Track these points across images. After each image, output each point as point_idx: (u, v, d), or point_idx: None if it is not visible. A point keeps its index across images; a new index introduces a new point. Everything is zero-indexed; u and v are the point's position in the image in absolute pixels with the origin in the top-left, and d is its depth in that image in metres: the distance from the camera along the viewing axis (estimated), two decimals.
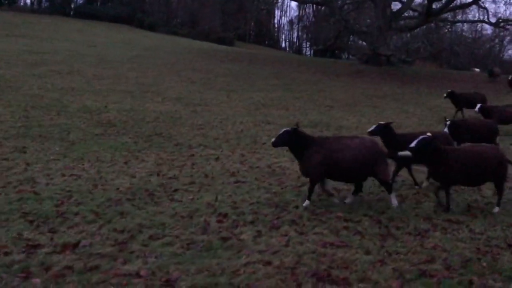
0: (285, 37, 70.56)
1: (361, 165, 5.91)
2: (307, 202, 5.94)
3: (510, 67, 53.19)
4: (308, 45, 66.48)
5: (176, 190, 6.50)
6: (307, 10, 66.14)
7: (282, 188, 6.78)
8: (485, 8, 28.13)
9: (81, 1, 60.86)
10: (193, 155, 9.09)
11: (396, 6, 31.25)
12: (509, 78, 21.43)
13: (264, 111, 14.90)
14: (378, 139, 6.96)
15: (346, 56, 61.93)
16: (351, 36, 57.81)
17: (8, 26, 40.19)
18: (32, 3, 59.02)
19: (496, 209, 6.04)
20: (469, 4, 27.20)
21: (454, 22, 33.31)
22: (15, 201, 5.70)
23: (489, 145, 6.96)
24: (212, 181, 7.08)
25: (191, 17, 60.49)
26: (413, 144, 5.83)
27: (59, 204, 5.68)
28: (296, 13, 65.28)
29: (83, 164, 7.97)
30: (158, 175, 7.44)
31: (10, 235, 4.61)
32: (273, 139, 6.34)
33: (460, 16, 41.99)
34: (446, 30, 34.33)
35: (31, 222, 5.04)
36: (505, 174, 6.13)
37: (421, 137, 5.92)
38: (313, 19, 63.64)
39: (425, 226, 5.21)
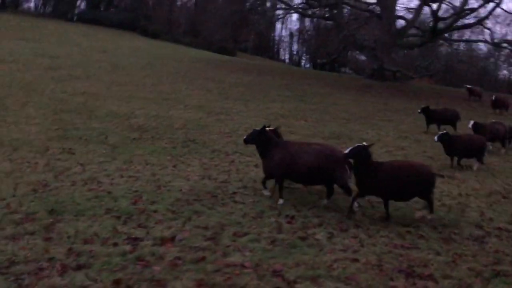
0: (283, 49, 71.35)
1: (317, 170, 6.40)
2: (280, 201, 6.49)
3: (503, 86, 54.39)
4: (306, 58, 67.26)
5: (234, 193, 6.91)
6: (307, 23, 67.00)
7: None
8: (489, 29, 29.06)
9: (84, 7, 61.18)
10: (233, 161, 9.50)
11: (400, 23, 32.06)
12: (492, 98, 21.28)
13: (284, 122, 15.34)
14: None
15: (344, 70, 62.85)
16: (349, 52, 58.80)
17: (15, 29, 40.42)
18: (36, 7, 59.19)
19: (429, 216, 6.09)
20: (473, 24, 28.08)
21: (458, 41, 34.19)
22: (92, 198, 6.08)
23: (418, 161, 7.36)
24: (257, 185, 7.48)
25: (192, 27, 61.04)
26: (347, 151, 6.09)
27: (134, 202, 6.06)
28: (297, 26, 66.16)
29: (135, 167, 8.35)
30: (209, 178, 7.84)
31: (107, 229, 4.99)
32: (244, 136, 7.01)
33: (456, 35, 43.06)
34: (449, 49, 35.14)
35: (118, 217, 5.42)
36: (431, 189, 6.12)
37: (356, 144, 6.16)
38: (313, 33, 64.50)
39: (479, 232, 5.67)
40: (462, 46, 48.05)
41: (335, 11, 31.66)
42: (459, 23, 28.10)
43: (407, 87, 27.57)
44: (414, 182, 5.92)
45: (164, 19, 59.25)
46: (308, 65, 65.75)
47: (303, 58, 66.90)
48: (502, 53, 52.16)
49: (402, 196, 6.11)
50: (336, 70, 56.20)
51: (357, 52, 55.49)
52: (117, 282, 3.61)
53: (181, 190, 6.87)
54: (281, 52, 71.06)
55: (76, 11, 60.70)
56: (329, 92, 23.22)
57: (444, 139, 10.55)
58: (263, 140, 6.86)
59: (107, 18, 55.61)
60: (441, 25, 27.81)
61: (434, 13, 26.86)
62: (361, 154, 5.95)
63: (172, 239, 4.76)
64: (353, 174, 6.19)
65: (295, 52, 66.67)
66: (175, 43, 52.07)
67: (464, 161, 10.74)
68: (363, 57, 64.32)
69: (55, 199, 6.00)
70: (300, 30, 64.24)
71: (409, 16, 31.25)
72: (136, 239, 4.73)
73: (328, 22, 52.54)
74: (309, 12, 34.20)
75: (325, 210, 6.31)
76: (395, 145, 12.39)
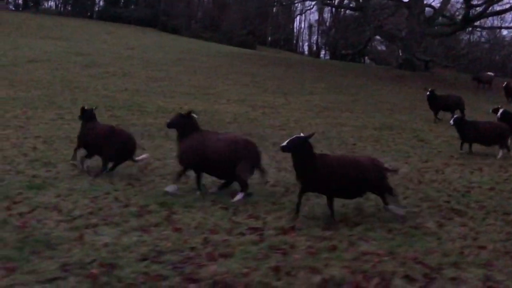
0: (302, 41, 71.10)
1: (223, 162, 6.00)
2: (197, 193, 6.13)
3: None
4: (326, 50, 66.94)
5: None
6: (325, 15, 66.63)
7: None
8: None
9: (102, 4, 61.60)
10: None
11: (429, 11, 31.70)
12: (503, 85, 20.33)
13: (329, 114, 15.35)
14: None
15: (364, 61, 62.49)
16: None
17: (41, 28, 40.92)
18: (57, 5, 59.75)
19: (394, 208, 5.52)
20: (506, 11, 27.69)
21: (489, 28, 33.73)
22: (190, 190, 6.19)
23: (368, 156, 6.71)
24: None
25: (211, 21, 61.12)
26: (284, 143, 5.42)
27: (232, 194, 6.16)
28: (315, 18, 65.81)
29: None
30: (286, 171, 7.89)
31: (224, 220, 5.09)
32: (168, 120, 6.82)
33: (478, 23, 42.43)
34: (472, 37, 34.67)
35: (225, 209, 5.53)
36: (384, 185, 5.56)
37: (294, 136, 5.46)
38: (332, 24, 64.12)
39: None
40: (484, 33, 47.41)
41: (360, 0, 31.47)
42: (493, 10, 27.70)
43: (439, 76, 27.35)
44: (361, 178, 5.36)
45: (183, 15, 59.40)
46: (327, 57, 65.48)
47: (322, 49, 66.53)
48: None
49: (349, 193, 5.51)
50: (356, 61, 55.87)
51: (383, 42, 55.31)
52: (275, 269, 3.69)
53: (267, 182, 6.95)
54: (300, 44, 70.89)
55: (96, 8, 61.27)
56: (363, 83, 23.13)
57: (458, 123, 10.27)
58: (184, 127, 6.43)
59: (126, 15, 55.98)
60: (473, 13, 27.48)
61: (466, 0, 26.54)
62: (301, 146, 5.31)
63: (292, 228, 4.84)
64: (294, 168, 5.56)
65: (314, 44, 66.29)
66: (195, 38, 52.18)
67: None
68: (383, 48, 64.12)
69: (155, 193, 6.12)
70: (320, 22, 63.83)
71: (437, 4, 30.93)
72: (256, 229, 4.81)
73: (348, 12, 52.33)
74: (335, 2, 33.96)
75: (421, 199, 6.34)
76: (449, 135, 12.29)
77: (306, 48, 67.67)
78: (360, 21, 40.29)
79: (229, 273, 3.61)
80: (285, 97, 18.25)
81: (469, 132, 10.18)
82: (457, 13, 30.91)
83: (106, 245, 4.26)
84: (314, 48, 65.34)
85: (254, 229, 4.79)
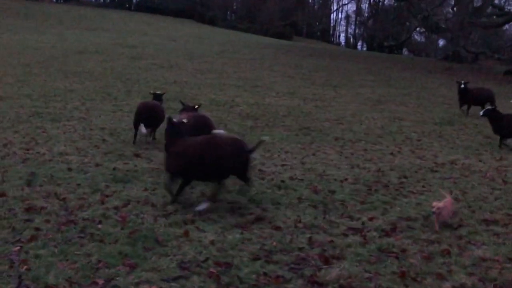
0: (338, 32, 70.15)
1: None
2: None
3: None
4: (363, 41, 65.83)
5: (401, 183, 6.76)
6: (363, 5, 65.47)
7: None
8: None
9: None
10: (366, 149, 9.34)
11: (477, 2, 30.63)
12: None
13: (384, 107, 15.01)
14: None
15: (400, 52, 61.03)
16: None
17: (83, 19, 41.71)
18: None
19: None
20: None
21: None
22: (271, 187, 6.12)
23: (232, 136, 6.24)
24: (419, 175, 7.30)
25: (248, 12, 60.93)
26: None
27: (315, 191, 6.05)
28: (353, 8, 64.74)
29: (277, 155, 8.38)
30: (358, 167, 7.72)
31: (318, 219, 5.00)
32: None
33: None
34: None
35: (314, 207, 5.43)
36: (247, 168, 5.36)
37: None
38: (370, 14, 62.91)
39: None
40: None
41: None
42: None
43: (489, 69, 26.42)
44: (223, 161, 5.11)
45: (219, 5, 59.42)
46: (364, 48, 64.41)
47: (359, 41, 65.44)
48: None
49: (209, 176, 5.28)
50: (394, 52, 54.67)
51: (422, 33, 53.95)
52: (402, 274, 3.56)
53: (346, 179, 6.80)
54: (336, 35, 69.94)
55: (134, 0, 61.96)
56: (412, 76, 22.57)
57: (489, 115, 9.94)
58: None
59: (164, 6, 56.41)
60: None
61: None
62: (170, 128, 5.38)
63: (394, 230, 4.69)
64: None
65: (351, 35, 65.29)
66: (232, 29, 52.16)
67: None
68: (422, 39, 62.58)
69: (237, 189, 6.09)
70: (357, 12, 62.75)
71: None
72: (357, 229, 4.69)
73: (387, 2, 51.18)
74: None
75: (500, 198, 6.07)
76: None
77: (342, 39, 66.68)
78: (402, 11, 39.34)
79: (352, 277, 3.50)
80: (335, 90, 17.97)
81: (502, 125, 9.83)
82: (507, 3, 29.71)
83: (212, 242, 4.22)
84: (352, 39, 64.26)
85: (354, 230, 4.67)
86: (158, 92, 10.01)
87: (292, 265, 3.75)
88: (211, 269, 3.65)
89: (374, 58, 30.20)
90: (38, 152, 7.79)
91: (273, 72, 21.58)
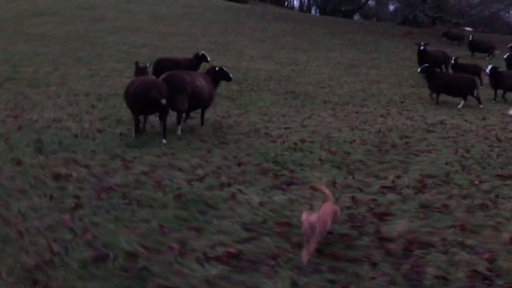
0: None
1: None
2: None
3: None
4: (316, 5, 65.91)
5: (406, 143, 6.98)
6: None
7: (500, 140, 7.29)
8: None
9: None
10: (357, 112, 9.54)
11: None
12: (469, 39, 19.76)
13: (358, 71, 15.29)
14: None
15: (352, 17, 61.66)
16: None
17: None
18: None
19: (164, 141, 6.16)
20: None
21: None
22: (286, 149, 6.19)
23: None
24: (418, 135, 7.57)
25: None
26: None
27: (331, 152, 6.17)
28: None
29: (277, 118, 8.42)
30: (358, 129, 7.90)
31: (349, 179, 5.13)
32: None
33: None
34: None
35: (338, 168, 5.55)
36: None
37: None
38: None
39: None
40: None
41: None
42: None
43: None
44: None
45: None
46: (317, 13, 64.42)
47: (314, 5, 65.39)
48: None
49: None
50: (347, 17, 55.08)
51: None
52: (462, 227, 3.75)
53: (354, 140, 6.95)
54: None
55: None
56: (376, 40, 22.96)
57: (425, 72, 11.01)
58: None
59: None
60: None
61: None
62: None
63: (424, 187, 4.88)
64: None
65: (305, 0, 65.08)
66: None
67: None
68: (372, 3, 63.30)
69: (255, 150, 6.10)
70: None
71: None
72: (389, 187, 4.84)
73: None
74: None
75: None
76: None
77: (296, 3, 66.35)
78: None
79: (415, 232, 3.66)
80: (306, 54, 18.06)
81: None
82: None
83: (261, 204, 4.25)
84: (305, 3, 64.09)
85: (388, 188, 4.83)
86: (141, 65, 8.04)
87: (355, 224, 3.85)
88: (276, 229, 3.69)
89: (335, 23, 30.37)
90: (30, 119, 7.41)
91: (240, 36, 21.30)
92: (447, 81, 10.86)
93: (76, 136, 6.46)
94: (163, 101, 6.21)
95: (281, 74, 13.86)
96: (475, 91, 10.66)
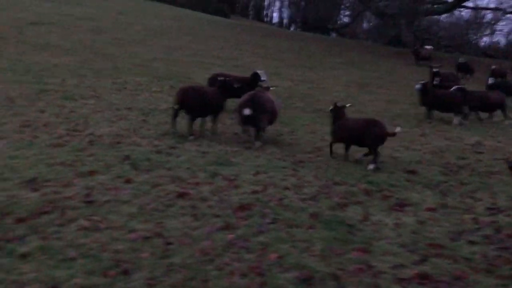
0: (271, 11, 70.70)
1: None
2: None
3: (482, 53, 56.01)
4: (296, 22, 67.04)
5: (468, 164, 7.27)
6: None
7: None
8: None
9: None
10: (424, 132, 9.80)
11: None
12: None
13: (370, 90, 15.69)
14: None
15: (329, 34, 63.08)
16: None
17: None
18: None
19: None
20: None
21: (483, 9, 35.02)
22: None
23: None
24: (471, 156, 7.90)
25: None
26: None
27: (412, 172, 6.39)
28: None
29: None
30: (411, 149, 8.17)
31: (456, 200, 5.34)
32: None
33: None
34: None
35: (428, 187, 5.75)
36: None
37: None
38: None
39: None
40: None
41: None
42: None
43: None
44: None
45: None
46: (295, 29, 65.58)
47: (291, 22, 66.51)
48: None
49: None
50: (328, 34, 56.32)
51: (348, 15, 56.04)
52: None
53: (420, 161, 7.20)
54: (269, 14, 70.36)
55: None
56: (373, 59, 23.63)
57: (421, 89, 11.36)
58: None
59: None
60: None
61: None
62: None
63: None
64: None
65: (284, 15, 66.20)
66: (170, 4, 50.40)
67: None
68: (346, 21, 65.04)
69: (351, 171, 6.25)
70: None
71: None
72: (493, 209, 5.09)
73: None
74: None
75: None
76: None
77: (275, 18, 67.34)
78: None
79: None
80: (314, 72, 18.37)
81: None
82: None
83: (397, 225, 4.38)
84: (286, 20, 65.17)
85: (492, 209, 5.07)
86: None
87: (497, 245, 4.05)
88: (433, 251, 3.83)
89: (324, 41, 31.05)
90: (91, 134, 7.31)
91: (242, 52, 21.47)
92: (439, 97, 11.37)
93: (158, 152, 6.43)
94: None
95: (299, 91, 14.08)
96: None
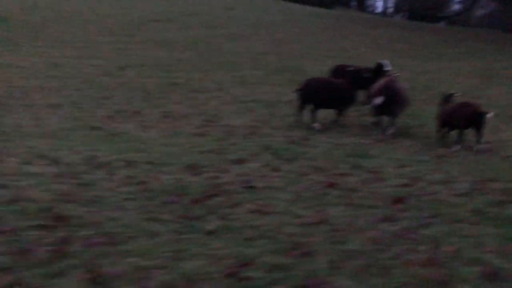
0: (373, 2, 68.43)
1: None
2: None
3: None
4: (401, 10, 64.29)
5: None
6: None
7: None
8: None
9: None
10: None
11: None
12: None
13: (500, 81, 14.57)
14: None
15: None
16: None
17: None
18: None
19: None
20: None
21: None
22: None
23: None
24: None
25: None
26: None
27: None
28: None
29: None
30: None
31: None
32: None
33: None
34: None
35: None
36: None
37: None
38: None
39: None
40: None
41: None
42: None
43: None
44: None
45: None
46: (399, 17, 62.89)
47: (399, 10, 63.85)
48: None
49: None
50: (437, 22, 53.23)
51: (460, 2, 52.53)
52: None
53: None
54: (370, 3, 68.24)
55: None
56: (495, 49, 21.92)
57: None
58: None
59: None
60: None
61: None
62: None
63: None
64: None
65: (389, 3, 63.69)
66: None
67: None
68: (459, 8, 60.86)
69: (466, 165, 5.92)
70: None
71: None
72: None
73: None
74: None
75: None
76: None
77: (379, 8, 65.04)
78: None
79: None
80: (432, 63, 17.49)
81: None
82: None
83: None
84: (391, 9, 62.69)
85: None
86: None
87: None
88: None
89: (436, 30, 29.36)
90: (227, 125, 7.67)
91: (352, 42, 21.04)
92: None
93: (292, 143, 6.57)
94: None
95: (420, 83, 13.49)
96: None
